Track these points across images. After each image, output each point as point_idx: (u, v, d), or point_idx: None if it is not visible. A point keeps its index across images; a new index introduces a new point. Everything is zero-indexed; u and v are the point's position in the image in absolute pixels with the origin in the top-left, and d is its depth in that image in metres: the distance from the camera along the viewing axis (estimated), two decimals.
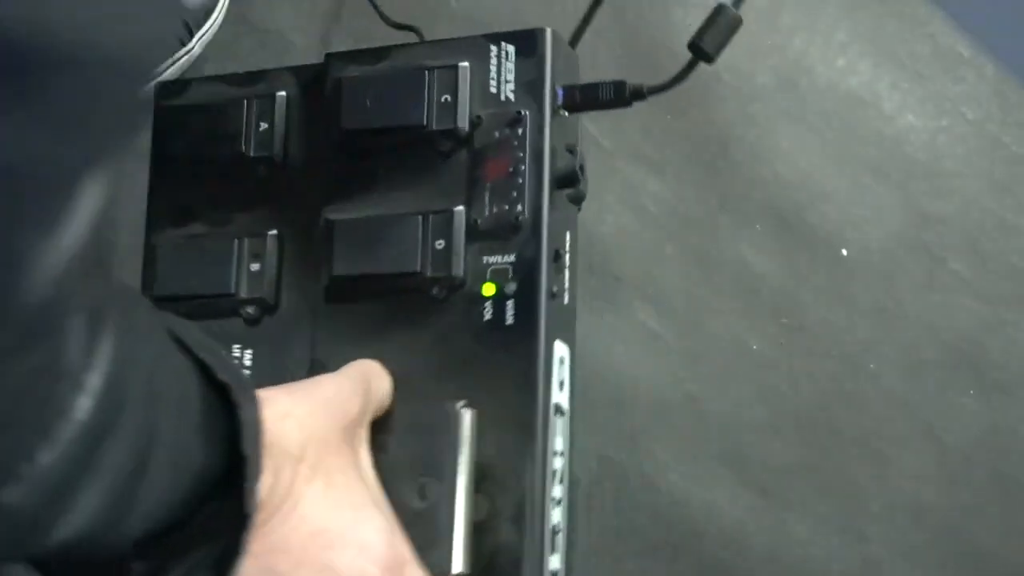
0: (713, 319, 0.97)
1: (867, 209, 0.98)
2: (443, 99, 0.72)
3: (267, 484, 0.57)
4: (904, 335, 0.96)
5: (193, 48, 1.01)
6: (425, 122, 0.72)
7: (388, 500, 0.66)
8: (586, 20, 0.81)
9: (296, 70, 0.77)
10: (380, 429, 0.68)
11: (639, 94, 0.73)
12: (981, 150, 0.99)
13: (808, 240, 0.98)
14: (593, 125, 0.99)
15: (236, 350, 0.73)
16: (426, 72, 0.72)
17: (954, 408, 0.95)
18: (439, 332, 0.69)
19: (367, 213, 0.72)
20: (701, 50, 0.71)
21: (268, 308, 0.73)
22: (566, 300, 0.72)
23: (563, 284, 0.71)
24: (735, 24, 0.72)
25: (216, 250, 0.74)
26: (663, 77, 0.74)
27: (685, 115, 0.99)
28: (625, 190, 0.99)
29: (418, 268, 0.70)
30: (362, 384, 0.67)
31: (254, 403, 0.56)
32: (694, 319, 0.97)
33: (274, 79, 0.78)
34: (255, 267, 0.73)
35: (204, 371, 0.55)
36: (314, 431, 0.62)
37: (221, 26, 1.03)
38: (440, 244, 0.70)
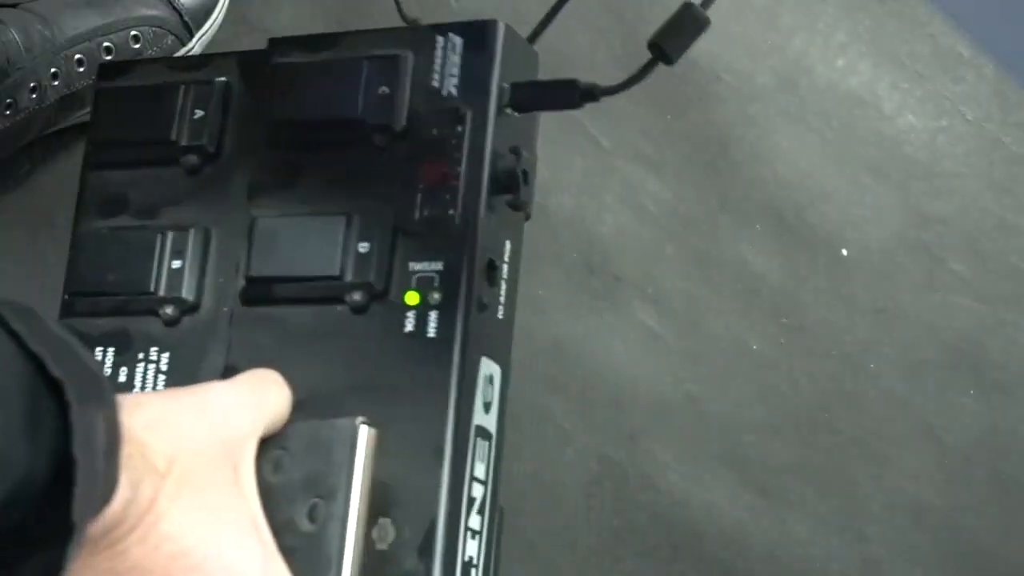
0: (713, 319, 0.97)
1: (867, 209, 0.98)
2: (380, 91, 0.66)
3: (123, 498, 0.53)
4: (904, 335, 0.96)
5: (193, 47, 1.01)
6: (359, 115, 0.66)
7: (277, 522, 0.61)
8: (548, 18, 0.75)
9: (241, 56, 0.73)
10: (276, 443, 0.63)
11: (590, 95, 0.66)
12: (981, 150, 0.99)
13: (808, 240, 0.98)
14: (593, 125, 0.99)
15: (154, 352, 0.69)
16: (364, 62, 0.67)
17: (954, 408, 0.95)
18: (357, 342, 0.64)
19: (294, 210, 0.67)
20: (661, 50, 0.64)
21: (188, 309, 0.69)
22: (500, 314, 0.65)
23: (497, 297, 0.65)
24: (701, 24, 0.65)
25: (138, 244, 0.70)
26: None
27: (685, 115, 0.99)
28: (625, 190, 0.99)
29: (337, 272, 0.65)
30: (255, 395, 0.62)
31: (100, 404, 0.51)
32: (694, 319, 0.97)
33: (218, 64, 0.73)
34: (176, 264, 0.69)
35: (37, 365, 0.50)
36: (188, 443, 0.57)
37: (221, 26, 1.03)
38: (363, 248, 0.64)
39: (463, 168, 0.64)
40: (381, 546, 0.61)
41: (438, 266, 0.63)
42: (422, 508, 0.61)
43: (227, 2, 1.03)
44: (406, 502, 0.61)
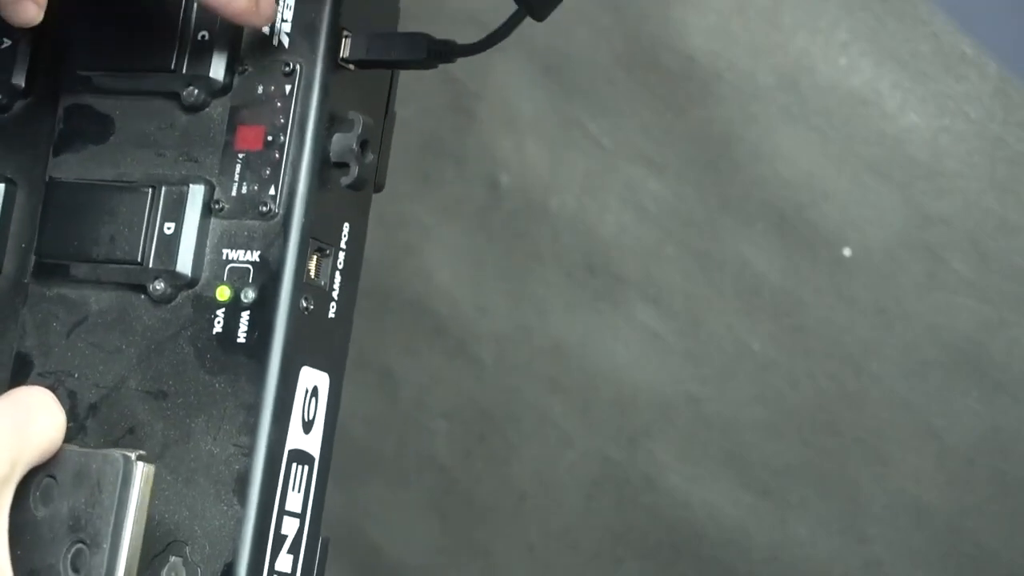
0: (713, 319, 0.97)
1: (868, 209, 0.98)
2: (200, 36, 0.56)
3: None
4: (905, 335, 0.96)
5: None
6: (173, 66, 0.56)
7: (40, 565, 0.53)
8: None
9: None
10: (46, 470, 0.54)
11: (444, 54, 0.56)
12: (983, 149, 0.99)
13: (809, 240, 0.98)
14: (594, 125, 0.98)
15: None
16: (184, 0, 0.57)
17: (956, 409, 0.95)
18: (159, 340, 0.55)
19: (95, 174, 0.57)
20: (528, 2, 0.54)
21: None
22: (332, 312, 0.55)
23: (328, 293, 0.55)
24: None
25: None
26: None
27: (686, 114, 0.99)
28: (625, 190, 0.99)
29: (139, 258, 0.55)
30: (14, 428, 0.53)
31: None
32: (694, 319, 0.97)
33: None
34: None
35: None
36: None
37: None
38: (169, 228, 0.55)
39: (288, 137, 0.54)
40: None
41: (253, 256, 0.54)
42: (218, 548, 0.53)
43: None
44: (201, 540, 0.53)
